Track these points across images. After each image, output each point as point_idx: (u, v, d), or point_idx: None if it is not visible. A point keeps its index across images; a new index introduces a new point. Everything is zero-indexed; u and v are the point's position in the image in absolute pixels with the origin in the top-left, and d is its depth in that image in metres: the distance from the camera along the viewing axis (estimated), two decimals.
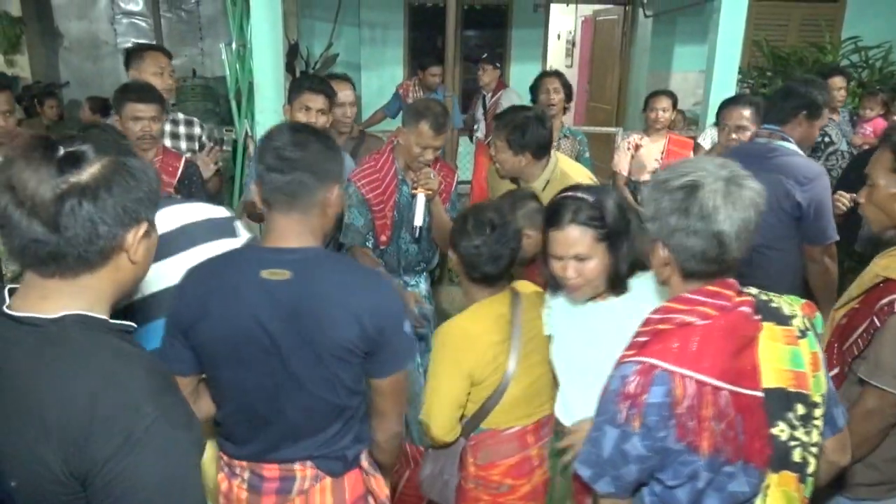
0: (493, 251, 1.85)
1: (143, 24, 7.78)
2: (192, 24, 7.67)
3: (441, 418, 1.87)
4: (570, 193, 1.70)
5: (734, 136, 3.12)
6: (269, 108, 4.28)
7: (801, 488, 1.34)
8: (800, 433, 1.31)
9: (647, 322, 1.35)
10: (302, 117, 2.77)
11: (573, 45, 10.61)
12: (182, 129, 3.27)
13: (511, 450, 1.92)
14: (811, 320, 1.39)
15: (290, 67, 5.98)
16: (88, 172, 0.99)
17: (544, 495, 1.98)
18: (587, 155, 3.80)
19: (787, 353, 1.32)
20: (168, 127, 3.20)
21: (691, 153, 4.12)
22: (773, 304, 1.37)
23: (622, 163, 4.33)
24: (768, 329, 1.31)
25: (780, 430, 1.30)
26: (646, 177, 4.14)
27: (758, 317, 1.32)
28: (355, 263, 1.94)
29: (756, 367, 1.28)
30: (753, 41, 6.60)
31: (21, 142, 1.26)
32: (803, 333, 1.34)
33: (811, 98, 2.66)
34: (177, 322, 1.49)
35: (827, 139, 4.33)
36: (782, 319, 1.35)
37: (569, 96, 3.93)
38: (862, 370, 1.62)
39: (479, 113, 5.56)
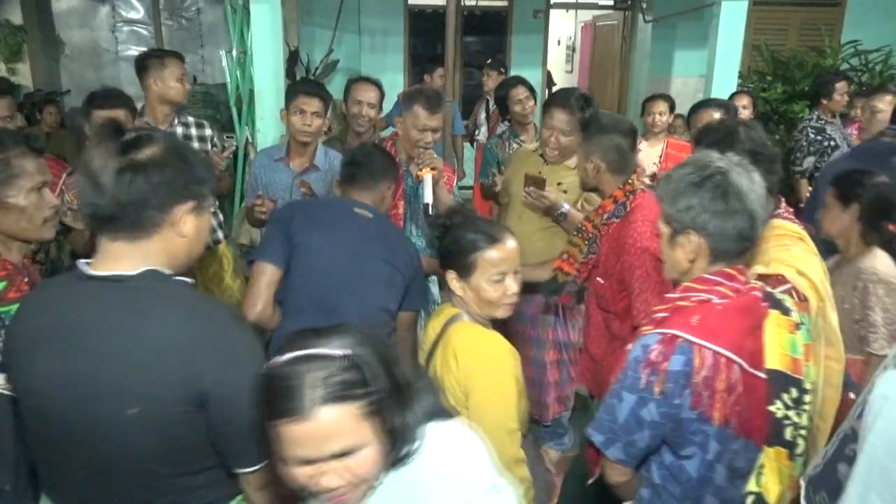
0: None
1: (144, 32, 7.80)
2: (193, 32, 7.68)
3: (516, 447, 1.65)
4: (303, 353, 1.00)
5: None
6: (269, 115, 4.29)
7: (792, 466, 1.42)
8: (792, 414, 1.40)
9: (664, 300, 1.46)
10: (297, 121, 2.79)
11: (573, 50, 10.62)
12: (194, 132, 3.28)
13: None
14: (805, 315, 1.50)
15: (290, 74, 5.99)
16: (145, 153, 1.21)
17: None
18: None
19: (788, 340, 1.41)
20: (180, 130, 3.23)
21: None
22: (777, 296, 1.47)
23: None
24: (774, 316, 1.41)
25: (777, 408, 1.38)
26: (644, 181, 4.13)
27: (765, 304, 1.42)
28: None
29: (762, 348, 1.37)
30: (753, 46, 6.61)
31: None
32: (798, 326, 1.45)
33: None
34: None
35: (833, 143, 4.34)
36: (785, 310, 1.45)
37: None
38: None
39: (482, 117, 5.57)
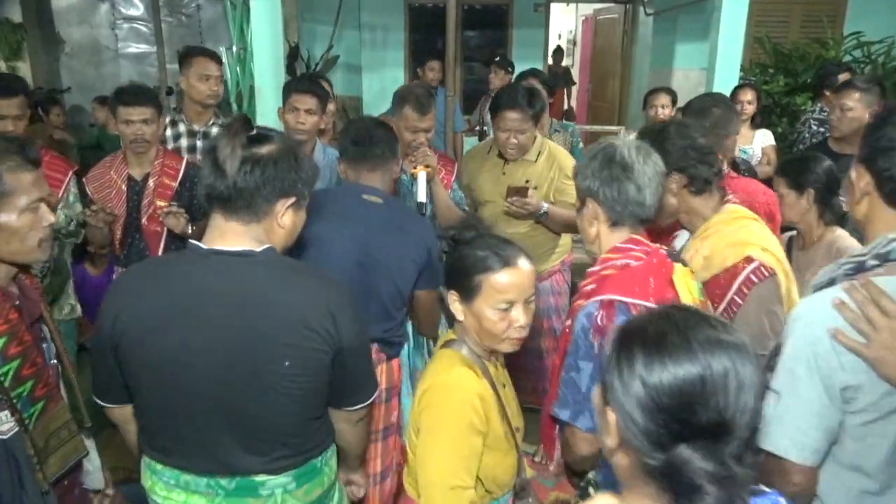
0: None
1: (144, 29, 7.78)
2: (193, 29, 7.66)
3: None
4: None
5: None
6: (270, 112, 4.27)
7: None
8: None
9: (587, 275, 1.62)
10: (291, 119, 2.78)
11: (574, 44, 10.60)
12: None
13: None
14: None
15: (290, 70, 5.97)
16: (265, 149, 1.39)
17: None
18: (580, 146, 3.84)
19: (694, 286, 1.64)
20: (215, 130, 3.21)
21: None
22: (674, 253, 1.70)
23: None
24: (678, 268, 1.62)
25: None
26: None
27: (669, 259, 1.62)
28: None
29: (678, 296, 1.57)
30: (755, 38, 6.58)
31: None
32: (692, 274, 1.68)
33: None
34: None
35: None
36: (684, 262, 1.67)
37: (550, 93, 4.02)
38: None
39: (489, 116, 5.56)
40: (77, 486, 1.70)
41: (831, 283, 1.27)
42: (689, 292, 1.59)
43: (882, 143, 1.22)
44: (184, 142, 3.19)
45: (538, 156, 2.97)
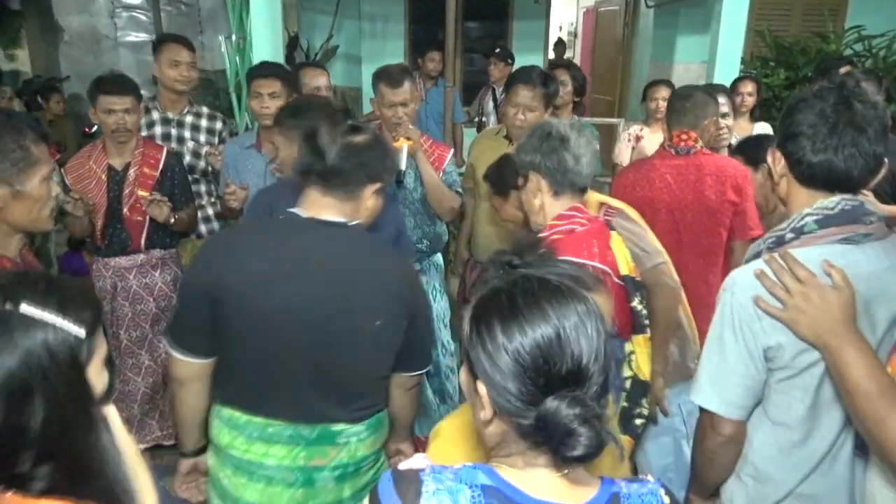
0: None
1: (143, 18, 7.76)
2: (192, 18, 7.64)
3: None
4: None
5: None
6: None
7: (649, 346, 1.92)
8: (643, 307, 1.86)
9: (541, 234, 1.80)
10: (255, 105, 2.78)
11: (575, 36, 10.57)
12: (204, 123, 3.26)
13: None
14: None
15: (289, 60, 5.96)
16: (361, 138, 1.62)
17: None
18: (596, 146, 3.78)
19: (627, 252, 1.88)
20: (190, 118, 3.21)
21: None
22: (611, 222, 1.96)
23: (623, 154, 4.31)
24: (614, 235, 1.87)
25: (636, 304, 1.84)
26: None
27: (606, 227, 1.87)
28: None
29: (616, 261, 1.79)
30: (756, 31, 6.56)
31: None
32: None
33: None
34: None
35: None
36: (618, 232, 1.91)
37: (577, 90, 3.93)
38: None
39: (490, 106, 5.55)
40: None
41: (758, 256, 1.40)
42: (624, 258, 1.84)
43: (792, 129, 1.35)
44: (158, 129, 3.17)
45: None
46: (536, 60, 7.60)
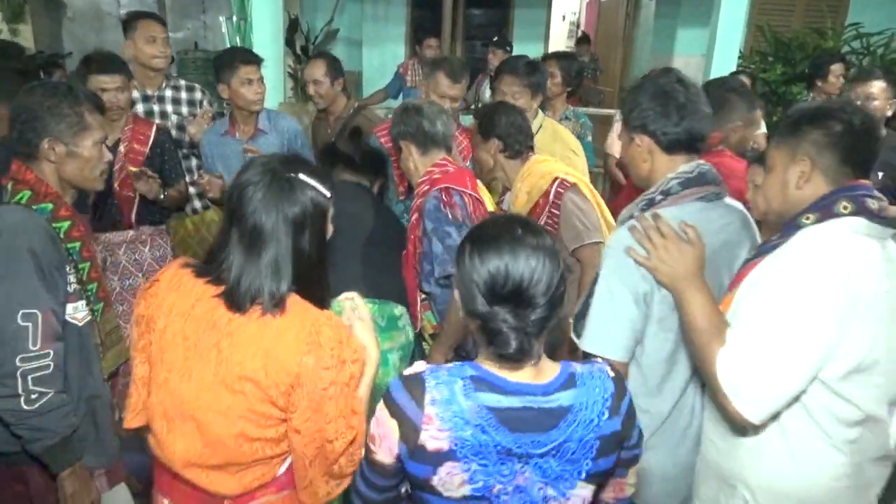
0: None
1: None
2: None
3: None
4: None
5: None
6: (268, 83, 4.29)
7: None
8: None
9: (419, 184, 2.25)
10: (248, 92, 2.86)
11: (577, 26, 10.54)
12: (184, 95, 3.29)
13: None
14: None
15: (289, 43, 5.98)
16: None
17: None
18: (589, 139, 3.78)
19: (489, 197, 2.39)
20: (169, 93, 3.24)
21: None
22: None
23: (615, 145, 4.33)
24: (479, 182, 2.35)
25: None
26: None
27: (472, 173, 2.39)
28: None
29: (481, 195, 2.28)
30: (757, 26, 6.56)
31: None
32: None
33: None
34: None
35: None
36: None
37: (568, 81, 3.93)
38: (568, 242, 2.34)
39: (487, 94, 5.57)
40: (120, 385, 2.12)
41: (632, 217, 1.62)
42: (488, 199, 2.34)
43: (648, 111, 1.60)
44: (140, 107, 3.18)
45: (538, 130, 2.99)
46: (537, 49, 7.60)
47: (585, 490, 1.19)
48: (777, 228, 1.54)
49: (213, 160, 2.86)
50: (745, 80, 4.31)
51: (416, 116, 2.22)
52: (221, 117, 3.22)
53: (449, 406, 1.11)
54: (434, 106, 2.24)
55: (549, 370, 1.17)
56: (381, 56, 7.39)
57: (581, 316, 1.72)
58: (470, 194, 2.21)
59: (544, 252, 1.12)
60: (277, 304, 1.28)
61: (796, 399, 1.40)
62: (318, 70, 3.29)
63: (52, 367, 1.58)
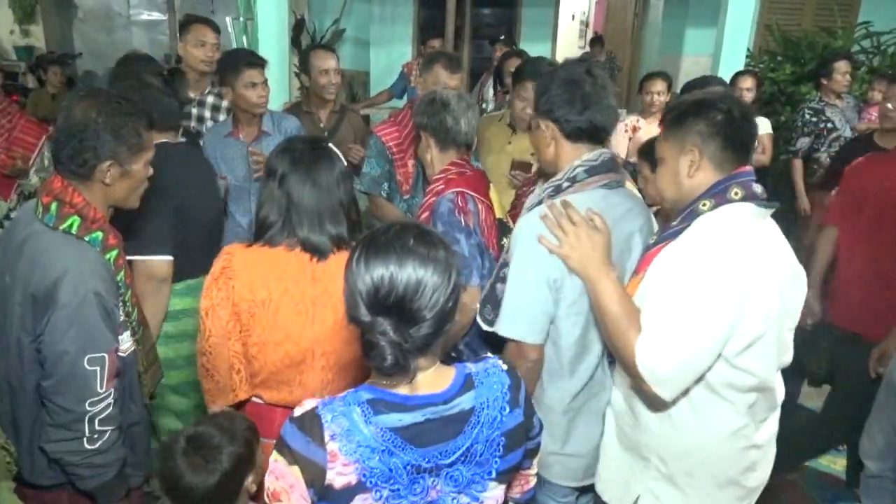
0: None
1: None
2: None
3: None
4: None
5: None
6: (274, 82, 4.29)
7: None
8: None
9: (433, 181, 2.16)
10: (253, 95, 2.81)
11: (586, 25, 10.51)
12: (224, 104, 3.27)
13: None
14: None
15: (295, 42, 6.00)
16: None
17: None
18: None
19: (501, 201, 2.34)
20: (211, 99, 3.25)
21: None
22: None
23: (620, 146, 4.32)
24: (492, 185, 2.30)
25: (503, 244, 2.11)
26: None
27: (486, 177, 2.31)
28: None
29: (491, 202, 2.22)
30: (766, 25, 6.52)
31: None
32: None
33: None
34: None
35: (830, 125, 4.31)
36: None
37: None
38: None
39: (490, 93, 5.56)
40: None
41: (540, 203, 1.66)
42: (498, 203, 2.30)
43: (554, 99, 1.64)
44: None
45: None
46: (545, 48, 7.59)
47: (498, 490, 1.19)
48: (671, 215, 1.63)
49: (216, 162, 2.87)
50: (750, 79, 4.30)
51: (441, 111, 2.13)
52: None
53: (352, 437, 1.05)
54: (463, 101, 2.15)
55: (445, 376, 1.14)
56: (389, 56, 7.40)
57: (486, 301, 1.77)
58: (483, 202, 2.17)
59: (435, 264, 1.06)
60: (345, 242, 1.65)
61: (701, 376, 1.49)
62: (332, 61, 3.32)
63: (112, 405, 1.56)
